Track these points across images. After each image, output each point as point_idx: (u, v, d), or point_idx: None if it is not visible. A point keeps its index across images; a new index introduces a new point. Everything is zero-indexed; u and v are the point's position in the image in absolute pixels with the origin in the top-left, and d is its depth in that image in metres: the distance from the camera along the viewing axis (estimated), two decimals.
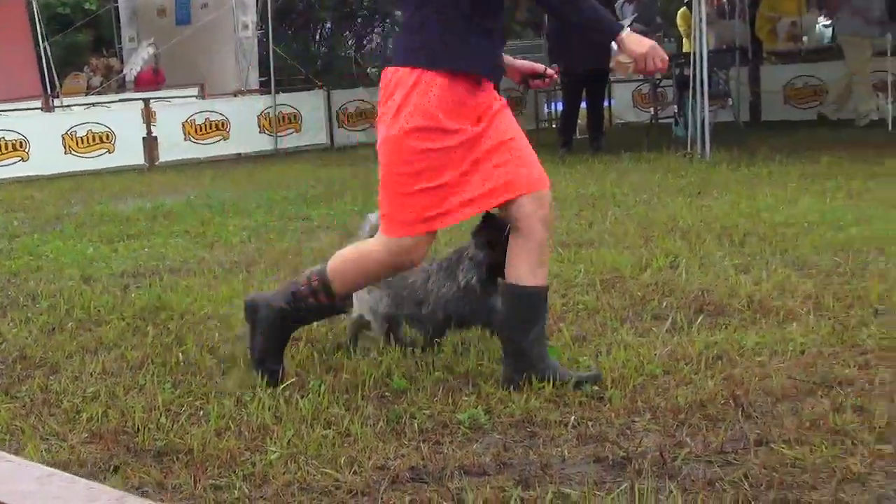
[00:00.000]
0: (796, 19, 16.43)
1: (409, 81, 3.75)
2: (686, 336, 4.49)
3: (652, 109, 16.40)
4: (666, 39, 18.47)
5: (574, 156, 12.35)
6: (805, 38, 16.93)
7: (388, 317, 4.50)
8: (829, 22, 17.34)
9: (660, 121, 15.83)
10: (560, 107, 14.65)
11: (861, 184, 8.50)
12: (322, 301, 4.04)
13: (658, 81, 15.62)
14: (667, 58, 3.79)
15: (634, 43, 3.76)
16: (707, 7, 18.34)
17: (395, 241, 3.88)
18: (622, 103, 18.20)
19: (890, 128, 13.14)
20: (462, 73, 3.76)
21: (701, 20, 11.51)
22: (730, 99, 14.82)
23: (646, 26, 15.26)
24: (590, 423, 3.53)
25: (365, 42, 29.62)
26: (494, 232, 4.11)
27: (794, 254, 6.08)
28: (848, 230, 6.63)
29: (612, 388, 3.82)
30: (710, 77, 11.98)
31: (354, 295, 4.39)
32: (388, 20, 29.29)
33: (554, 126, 16.38)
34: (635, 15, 15.42)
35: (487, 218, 4.11)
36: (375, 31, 31.17)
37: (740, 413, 3.53)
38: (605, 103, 15.46)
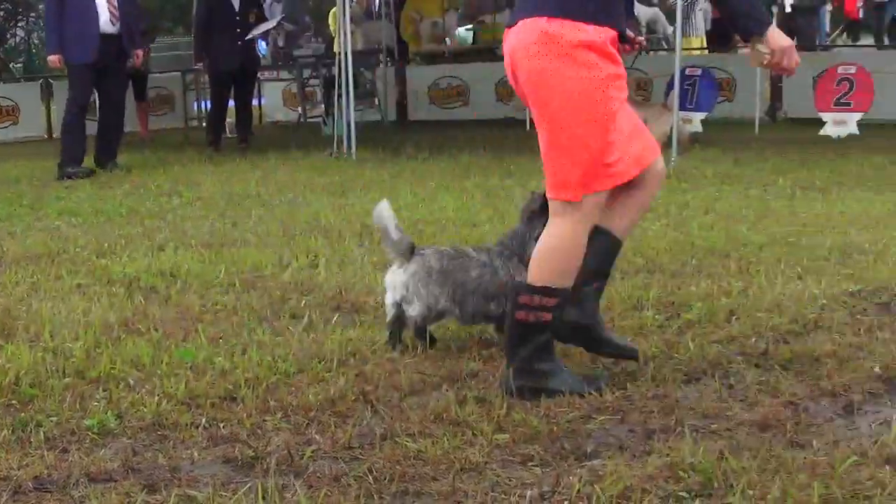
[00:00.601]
0: (438, 20, 16.93)
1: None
2: (322, 334, 4.53)
3: (300, 109, 16.48)
4: (314, 39, 18.63)
5: (222, 155, 12.25)
6: (447, 40, 17.50)
7: (442, 313, 4.29)
8: (470, 26, 17.96)
9: (309, 120, 15.94)
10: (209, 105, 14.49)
11: (497, 182, 8.87)
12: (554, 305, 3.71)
13: (306, 80, 15.71)
14: (798, 61, 3.74)
15: (779, 38, 3.70)
16: (356, 7, 18.74)
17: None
18: (272, 102, 18.22)
19: (528, 128, 13.77)
20: None
21: (345, 20, 11.65)
22: (377, 99, 15.10)
23: (294, 25, 15.35)
24: (221, 425, 3.50)
25: (8, 36, 28.31)
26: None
27: None
28: (482, 227, 6.90)
29: (244, 388, 3.80)
30: (356, 77, 12.17)
31: (394, 290, 4.27)
32: (32, 14, 28.07)
33: (203, 125, 16.18)
34: (283, 15, 15.46)
35: (543, 199, 3.94)
36: (19, 24, 29.83)
37: (369, 409, 3.60)
38: (255, 102, 15.40)
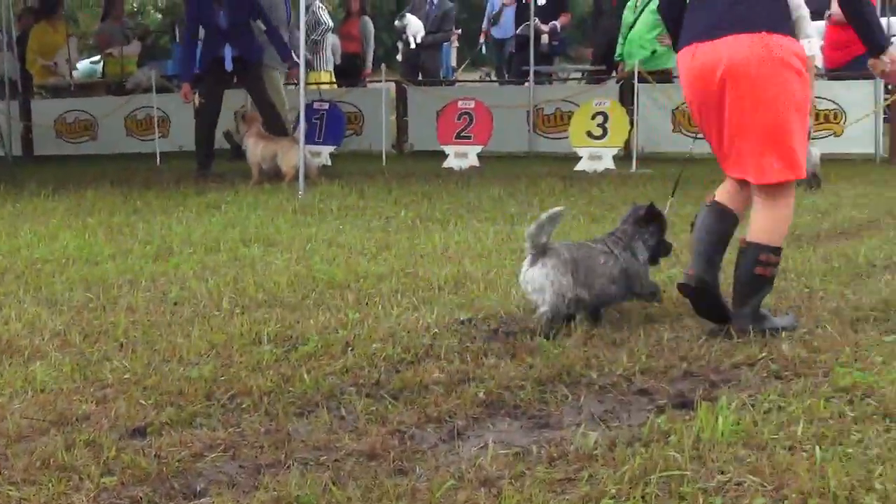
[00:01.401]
0: (62, 54, 16.39)
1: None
2: None
3: None
4: None
5: None
6: (75, 73, 17.02)
7: (576, 300, 4.97)
8: (98, 58, 17.52)
9: None
10: None
11: (123, 219, 8.70)
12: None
13: None
14: None
15: None
16: None
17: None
18: None
19: (158, 162, 13.63)
20: None
21: None
22: None
23: None
24: None
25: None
26: (659, 216, 5.15)
27: (48, 291, 6.06)
28: (104, 265, 6.76)
29: None
30: None
31: (531, 282, 4.97)
32: None
33: None
34: None
35: (648, 208, 5.14)
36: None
37: None
38: None
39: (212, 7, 11.55)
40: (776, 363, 4.38)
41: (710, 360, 4.48)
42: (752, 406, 3.82)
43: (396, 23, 15.20)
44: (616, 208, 8.39)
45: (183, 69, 12.44)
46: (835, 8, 12.21)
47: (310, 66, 15.02)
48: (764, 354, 4.49)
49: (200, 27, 11.89)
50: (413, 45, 15.52)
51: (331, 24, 16.18)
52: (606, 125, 12.14)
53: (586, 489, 3.16)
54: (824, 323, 4.96)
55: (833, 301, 5.40)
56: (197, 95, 11.71)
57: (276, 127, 11.47)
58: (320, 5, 16.16)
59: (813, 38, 9.90)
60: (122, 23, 17.39)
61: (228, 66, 11.56)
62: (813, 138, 9.75)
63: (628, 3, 12.95)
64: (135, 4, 33.09)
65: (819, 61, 10.17)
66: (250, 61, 11.70)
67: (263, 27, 11.93)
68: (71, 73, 16.83)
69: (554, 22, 14.71)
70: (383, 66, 13.90)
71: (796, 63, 4.68)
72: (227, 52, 11.54)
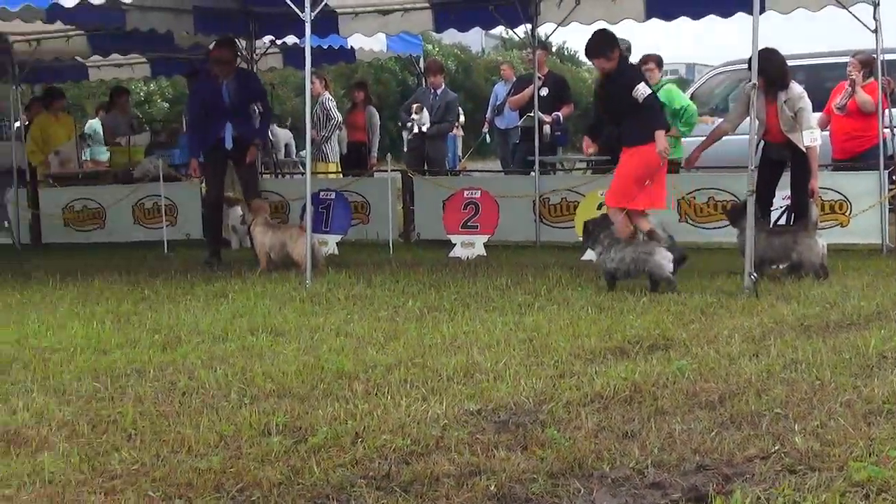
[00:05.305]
0: (64, 147, 16.49)
1: None
2: None
3: None
4: None
5: None
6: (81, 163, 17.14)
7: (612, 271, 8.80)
8: (105, 148, 17.64)
9: None
10: None
11: (131, 307, 8.71)
12: None
13: None
14: None
15: None
16: None
17: None
18: None
19: (165, 250, 13.66)
20: None
21: None
22: (6, 221, 14.52)
23: None
24: None
25: None
26: None
27: (56, 380, 6.06)
28: (112, 354, 6.75)
29: None
30: None
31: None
32: None
33: None
34: None
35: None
36: None
37: None
38: None
39: (217, 85, 11.78)
40: (790, 456, 4.35)
41: (723, 452, 4.45)
42: (768, 501, 3.79)
43: (414, 116, 15.29)
44: (623, 299, 8.39)
45: (190, 146, 12.71)
46: (841, 101, 12.35)
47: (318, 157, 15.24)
48: (777, 447, 4.46)
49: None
50: (418, 131, 15.57)
51: (340, 118, 16.35)
52: None
53: None
54: (837, 416, 4.93)
55: (845, 393, 5.37)
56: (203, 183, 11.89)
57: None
58: (329, 97, 16.33)
59: (815, 129, 9.99)
60: (127, 113, 17.57)
61: (228, 144, 11.78)
62: (819, 229, 9.79)
63: None
64: (141, 94, 33.42)
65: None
66: (247, 141, 11.94)
67: (259, 109, 12.26)
68: (80, 164, 16.94)
69: (556, 113, 14.81)
70: (388, 155, 14.00)
71: None
72: (228, 130, 11.78)
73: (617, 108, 9.66)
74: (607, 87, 9.75)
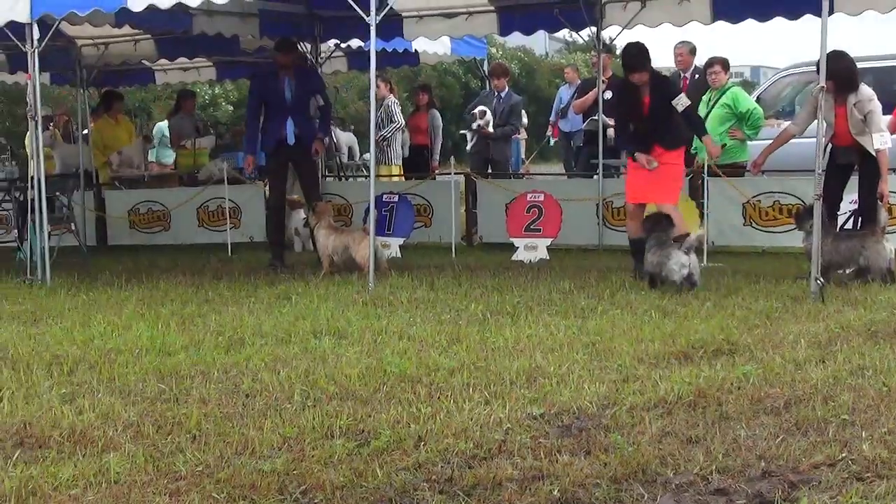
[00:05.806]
0: (126, 150, 16.66)
1: None
2: (2, 472, 4.35)
3: None
4: (9, 163, 18.00)
5: None
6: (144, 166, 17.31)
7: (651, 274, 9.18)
8: (171, 151, 17.82)
9: (3, 245, 15.33)
10: None
11: (195, 309, 8.78)
12: None
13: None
14: None
15: None
16: (54, 131, 18.30)
17: None
18: None
19: (230, 252, 13.77)
20: None
21: (38, 143, 11.34)
22: (73, 224, 14.69)
23: None
24: None
25: None
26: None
27: (121, 381, 6.12)
28: (177, 355, 6.81)
29: None
30: (52, 201, 11.82)
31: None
32: None
33: None
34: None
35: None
36: None
37: None
38: None
39: (278, 83, 11.82)
40: (857, 464, 4.29)
41: (789, 459, 4.40)
42: None
43: (480, 121, 15.27)
44: (688, 303, 8.32)
45: (247, 143, 12.71)
46: None
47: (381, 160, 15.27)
48: (844, 454, 4.40)
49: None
50: (481, 132, 15.53)
51: (403, 122, 16.36)
52: None
53: None
54: None
55: None
56: (267, 186, 11.91)
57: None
58: (394, 100, 16.35)
59: (885, 132, 9.85)
60: (193, 115, 17.72)
61: (291, 139, 11.80)
62: (887, 233, 9.64)
63: (703, 98, 12.94)
64: (206, 97, 33.72)
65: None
66: (309, 137, 11.96)
67: (321, 102, 12.24)
68: (145, 166, 17.13)
69: None
70: (452, 158, 13.98)
71: None
72: (290, 127, 11.80)
73: (658, 115, 10.00)
74: (650, 95, 10.03)
